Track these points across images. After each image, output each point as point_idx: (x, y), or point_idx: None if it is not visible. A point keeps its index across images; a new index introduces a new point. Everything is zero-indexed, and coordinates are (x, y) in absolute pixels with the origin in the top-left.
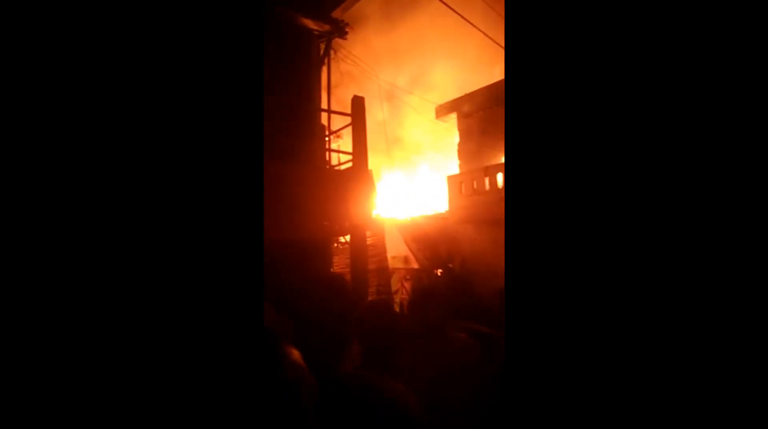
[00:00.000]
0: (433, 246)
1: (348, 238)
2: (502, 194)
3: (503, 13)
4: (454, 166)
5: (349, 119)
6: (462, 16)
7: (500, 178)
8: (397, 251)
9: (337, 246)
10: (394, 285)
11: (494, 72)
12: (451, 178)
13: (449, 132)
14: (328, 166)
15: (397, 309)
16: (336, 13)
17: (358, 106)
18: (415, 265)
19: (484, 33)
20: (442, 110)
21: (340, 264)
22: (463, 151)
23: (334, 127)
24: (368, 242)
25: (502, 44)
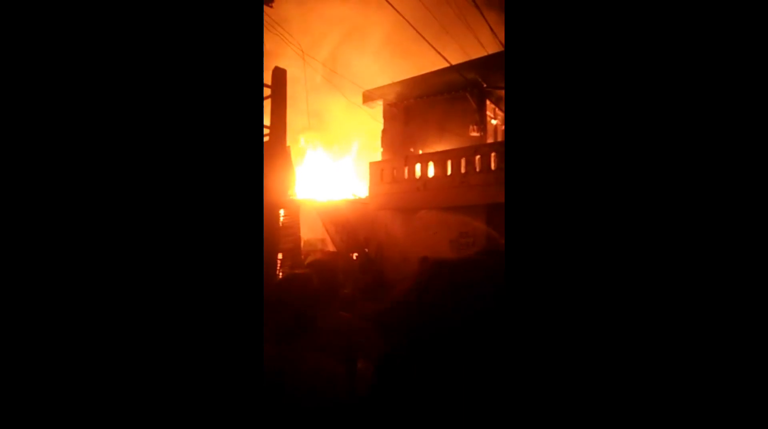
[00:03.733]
0: (351, 230)
1: None
2: (419, 184)
3: (432, 10)
4: (377, 153)
5: (267, 91)
6: (397, 10)
7: (418, 168)
8: (314, 234)
9: None
10: None
11: (421, 63)
12: (372, 165)
13: (374, 118)
14: None
15: None
16: None
17: (279, 78)
18: (332, 248)
19: (414, 28)
20: (369, 96)
21: None
22: (387, 139)
23: None
24: (283, 222)
25: (429, 39)
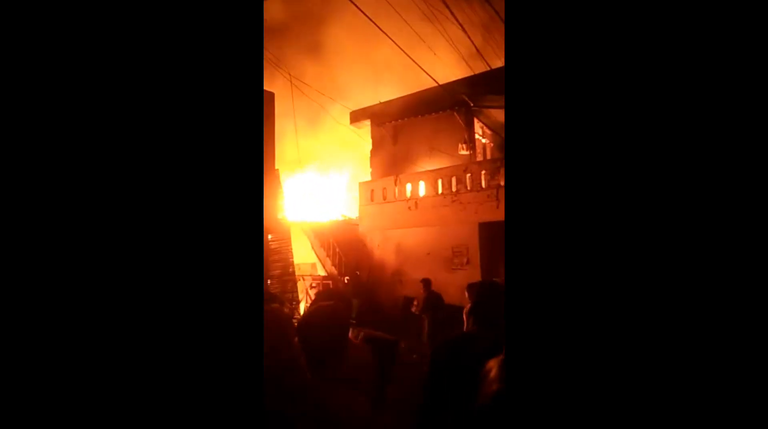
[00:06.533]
0: (342, 253)
1: None
2: (410, 203)
3: (417, 28)
4: (366, 173)
5: None
6: (379, 27)
7: (409, 187)
8: (304, 258)
9: None
10: (300, 293)
11: (409, 83)
12: (362, 185)
13: (363, 138)
14: None
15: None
16: None
17: (266, 101)
18: (323, 273)
19: (402, 49)
20: (357, 116)
21: None
22: (376, 159)
23: None
24: (272, 247)
25: (413, 56)
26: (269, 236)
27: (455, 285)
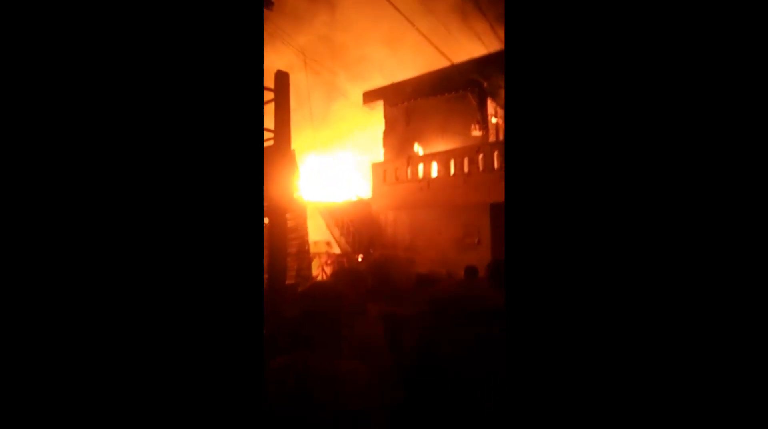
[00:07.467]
0: (356, 231)
1: (267, 220)
2: (422, 184)
3: (435, 9)
4: (378, 154)
5: (270, 95)
6: (398, 9)
7: (421, 168)
8: (319, 236)
9: None
10: (315, 270)
11: (422, 62)
12: (375, 166)
13: (376, 118)
14: None
15: None
16: None
17: (281, 81)
18: (338, 250)
19: (416, 27)
20: (370, 97)
21: None
22: (388, 139)
23: None
24: (289, 225)
25: (430, 38)
26: (288, 215)
27: (466, 264)
